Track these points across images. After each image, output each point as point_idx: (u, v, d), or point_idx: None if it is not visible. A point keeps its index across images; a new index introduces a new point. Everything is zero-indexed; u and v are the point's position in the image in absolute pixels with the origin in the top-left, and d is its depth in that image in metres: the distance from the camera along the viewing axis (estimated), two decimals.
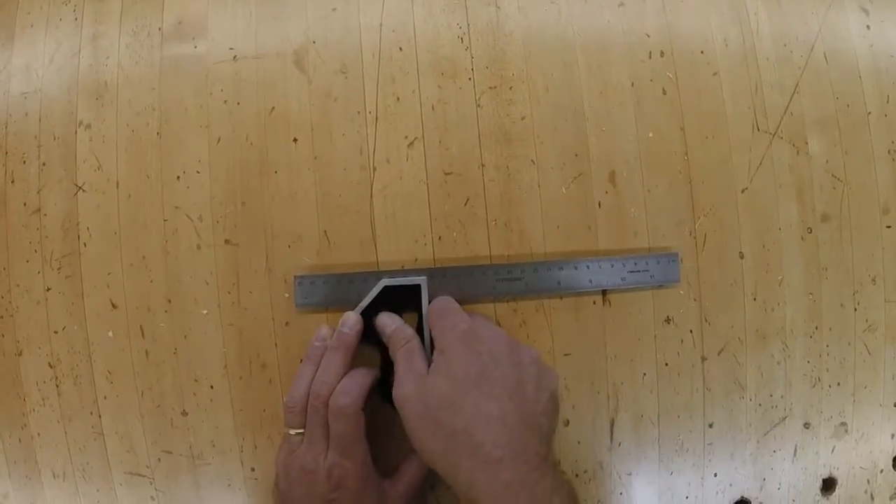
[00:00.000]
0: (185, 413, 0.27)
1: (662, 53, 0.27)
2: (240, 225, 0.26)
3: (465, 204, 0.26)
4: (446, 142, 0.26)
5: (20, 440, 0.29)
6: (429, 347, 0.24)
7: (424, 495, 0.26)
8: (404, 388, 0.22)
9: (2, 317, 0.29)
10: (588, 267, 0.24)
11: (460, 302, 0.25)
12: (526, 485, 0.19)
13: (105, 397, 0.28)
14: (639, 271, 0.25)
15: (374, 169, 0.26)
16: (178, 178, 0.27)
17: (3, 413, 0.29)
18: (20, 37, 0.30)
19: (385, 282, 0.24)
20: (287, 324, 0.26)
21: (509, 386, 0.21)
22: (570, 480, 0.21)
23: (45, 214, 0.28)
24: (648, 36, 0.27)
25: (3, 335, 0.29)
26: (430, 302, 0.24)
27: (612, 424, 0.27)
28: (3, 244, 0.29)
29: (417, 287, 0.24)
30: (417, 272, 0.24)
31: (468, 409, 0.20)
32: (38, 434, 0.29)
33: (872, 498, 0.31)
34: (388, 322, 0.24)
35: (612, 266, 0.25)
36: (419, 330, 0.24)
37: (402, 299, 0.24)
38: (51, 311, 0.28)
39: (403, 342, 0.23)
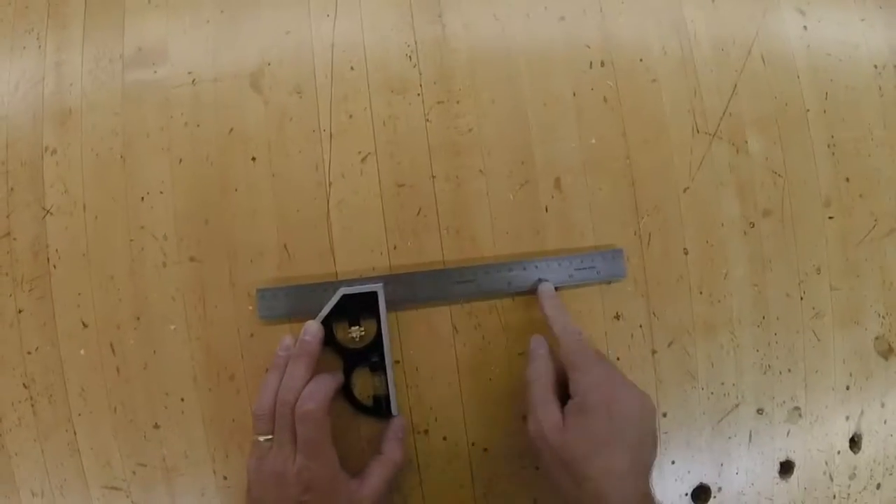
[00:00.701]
0: (157, 426, 0.29)
1: (603, 63, 0.29)
2: (203, 242, 0.28)
3: (418, 214, 0.28)
4: (398, 155, 0.28)
5: None
6: (389, 353, 0.26)
7: (391, 495, 0.28)
8: (540, 430, 0.24)
9: None
10: (536, 267, 0.27)
11: (417, 306, 0.27)
12: None
13: (79, 414, 0.30)
14: (585, 268, 0.27)
15: (330, 184, 0.28)
16: (143, 198, 0.29)
17: None
18: None
19: (343, 290, 0.26)
20: (252, 335, 0.28)
21: (634, 440, 0.23)
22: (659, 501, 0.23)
23: (15, 238, 0.30)
24: (589, 47, 0.29)
25: None
26: (387, 307, 0.26)
27: None
28: None
29: (375, 294, 0.26)
30: (374, 280, 0.27)
31: (601, 465, 0.22)
32: (16, 454, 0.31)
33: (832, 479, 0.33)
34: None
35: (560, 265, 0.27)
36: (378, 336, 0.26)
37: (361, 306, 0.26)
38: (23, 332, 0.30)
39: (536, 377, 0.25)
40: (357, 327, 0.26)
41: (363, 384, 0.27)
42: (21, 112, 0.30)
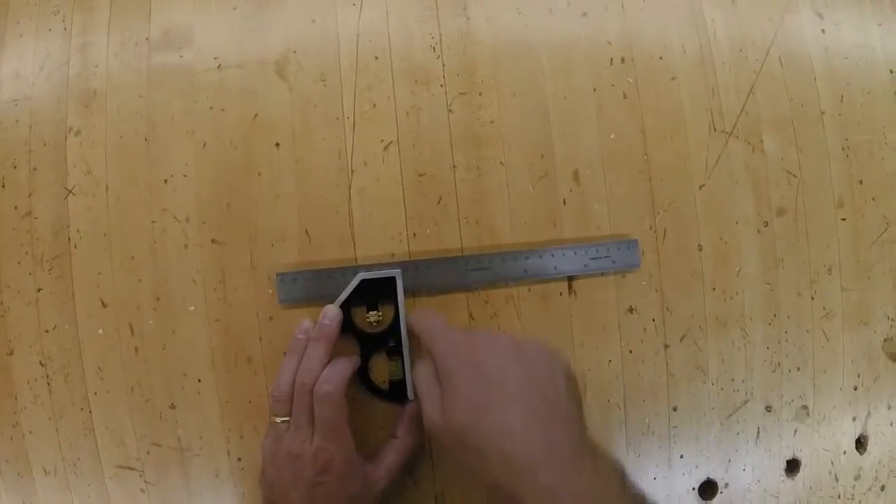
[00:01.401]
0: (173, 407, 0.30)
1: (623, 60, 0.31)
2: (225, 225, 0.29)
3: (438, 203, 0.29)
4: (420, 145, 0.29)
5: (11, 438, 0.32)
6: (406, 339, 0.27)
7: (403, 479, 0.29)
8: (428, 419, 0.23)
9: None
10: (552, 255, 0.28)
11: (434, 293, 0.28)
12: (567, 484, 0.19)
13: (95, 393, 0.31)
14: (600, 257, 0.28)
15: (353, 171, 0.29)
16: (166, 181, 0.30)
17: None
18: (10, 46, 0.33)
19: (362, 275, 0.27)
20: (271, 318, 0.29)
21: (522, 390, 0.21)
22: (614, 459, 0.21)
23: (36, 217, 0.31)
24: (610, 43, 0.31)
25: None
26: (405, 293, 0.27)
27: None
28: None
29: (393, 279, 0.27)
30: (393, 265, 0.28)
31: (489, 427, 0.20)
32: (30, 432, 0.32)
33: (837, 479, 0.34)
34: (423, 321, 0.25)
35: (575, 253, 0.28)
36: (396, 321, 0.27)
37: (379, 292, 0.27)
38: (42, 310, 0.31)
39: (417, 369, 0.25)
40: (375, 312, 0.27)
41: (380, 368, 0.28)
42: (45, 93, 0.32)
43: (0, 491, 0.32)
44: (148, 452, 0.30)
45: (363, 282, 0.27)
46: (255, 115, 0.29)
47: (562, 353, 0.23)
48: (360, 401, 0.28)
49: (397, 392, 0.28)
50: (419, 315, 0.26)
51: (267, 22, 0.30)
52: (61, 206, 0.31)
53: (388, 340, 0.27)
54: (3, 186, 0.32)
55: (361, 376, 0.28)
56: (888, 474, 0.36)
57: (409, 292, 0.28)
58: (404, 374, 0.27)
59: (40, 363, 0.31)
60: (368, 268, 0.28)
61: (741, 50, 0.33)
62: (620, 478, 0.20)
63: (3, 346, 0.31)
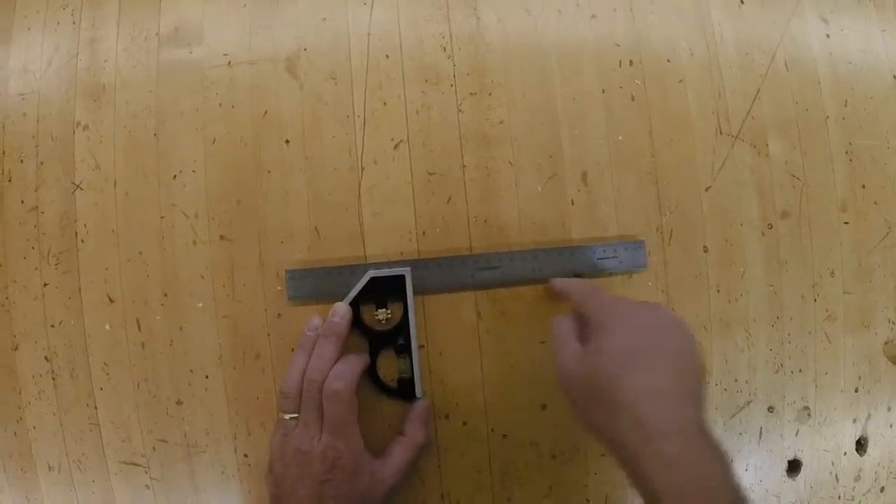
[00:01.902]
0: (179, 402, 0.30)
1: (631, 62, 0.31)
2: (234, 222, 0.30)
3: (448, 202, 0.29)
4: (430, 144, 0.30)
5: (15, 434, 0.32)
6: (415, 337, 0.28)
7: (410, 476, 0.29)
8: (566, 365, 0.23)
9: None
10: (560, 255, 0.29)
11: (443, 291, 0.29)
12: (689, 457, 0.20)
13: (101, 389, 0.31)
14: (608, 257, 0.29)
15: (363, 169, 0.30)
16: (175, 177, 0.30)
17: (0, 407, 0.32)
18: (17, 39, 0.33)
19: (371, 273, 0.28)
20: (279, 315, 0.29)
21: (669, 360, 0.22)
22: (721, 444, 0.21)
23: (43, 212, 0.31)
24: (618, 46, 0.31)
25: None
26: (414, 291, 0.28)
27: None
28: (0, 241, 0.32)
29: (402, 277, 0.27)
30: (402, 264, 0.28)
31: (632, 385, 0.21)
32: (34, 427, 0.32)
33: (837, 479, 0.35)
34: (565, 284, 0.27)
35: (583, 253, 0.29)
36: (405, 318, 0.28)
37: (388, 290, 0.28)
38: (48, 305, 0.31)
39: (557, 321, 0.26)
40: (384, 310, 0.28)
41: (388, 366, 0.29)
42: (53, 87, 0.32)
43: (3, 486, 0.33)
44: (154, 448, 0.31)
45: (372, 279, 0.27)
46: (265, 111, 0.30)
47: (697, 340, 0.24)
48: (368, 398, 0.29)
49: (406, 389, 0.28)
50: (572, 284, 0.27)
51: (277, 19, 0.31)
52: (69, 200, 0.31)
53: (396, 338, 0.28)
54: (9, 180, 0.32)
55: (370, 374, 0.28)
56: (888, 476, 0.36)
57: (417, 290, 0.28)
58: (412, 372, 0.28)
59: (46, 358, 0.31)
60: (378, 266, 0.28)
61: (747, 54, 0.33)
62: (729, 464, 0.21)
63: (8, 341, 0.32)
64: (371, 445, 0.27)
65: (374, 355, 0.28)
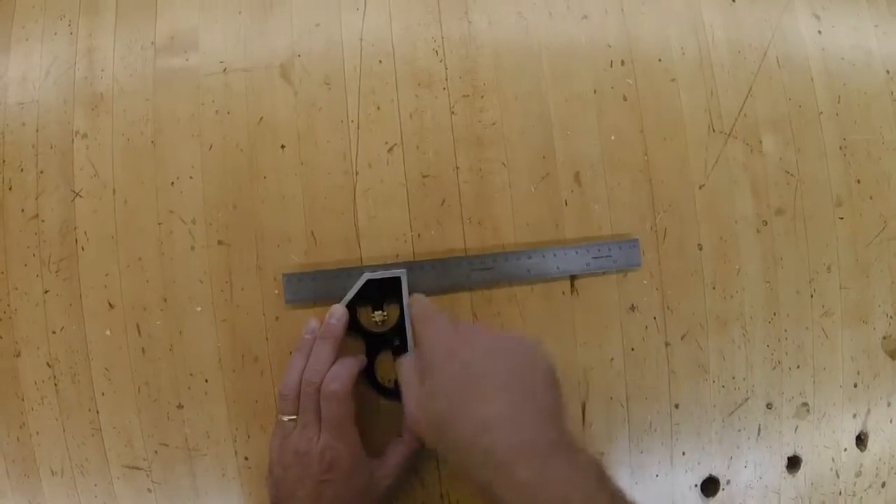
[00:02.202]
0: (180, 406, 0.31)
1: (623, 62, 0.32)
2: (231, 227, 0.30)
3: (442, 204, 0.30)
4: (423, 147, 0.30)
5: (18, 439, 0.33)
6: (411, 338, 0.28)
7: (408, 476, 0.30)
8: (409, 411, 0.24)
9: (0, 319, 0.32)
10: (555, 255, 0.29)
11: (438, 293, 0.29)
12: (546, 478, 0.19)
13: (103, 394, 0.32)
14: (602, 257, 0.29)
15: (357, 173, 0.30)
16: (172, 183, 0.31)
17: (1, 413, 0.33)
18: (16, 49, 0.34)
19: (368, 275, 0.28)
20: (277, 318, 0.30)
21: (502, 383, 0.21)
22: (591, 455, 0.20)
23: (43, 220, 0.32)
24: (610, 46, 0.32)
25: (1, 337, 0.32)
26: (409, 293, 0.28)
27: (583, 407, 0.31)
28: (2, 249, 0.33)
29: (398, 279, 0.28)
30: (398, 266, 0.29)
31: (468, 420, 0.21)
32: (37, 432, 0.33)
33: (838, 475, 0.35)
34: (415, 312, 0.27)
35: (577, 253, 0.29)
36: (401, 320, 0.28)
37: (385, 292, 0.28)
38: (49, 312, 0.32)
39: (402, 365, 0.26)
40: (380, 312, 0.28)
41: (385, 368, 0.29)
42: (52, 96, 0.33)
43: (7, 491, 0.33)
44: (155, 452, 0.31)
45: (369, 282, 0.28)
46: (261, 118, 0.31)
47: (542, 347, 0.24)
48: (366, 399, 0.29)
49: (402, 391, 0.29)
50: (415, 303, 0.27)
51: (272, 26, 0.31)
52: (68, 208, 0.32)
53: (393, 339, 0.28)
54: (10, 189, 0.33)
55: (367, 375, 0.29)
56: (889, 471, 0.37)
57: (413, 292, 0.29)
58: None
59: (48, 364, 0.32)
60: (374, 268, 0.29)
61: (739, 52, 0.34)
62: (598, 473, 0.20)
63: (10, 348, 0.32)
64: (368, 446, 0.28)
65: (371, 357, 0.29)
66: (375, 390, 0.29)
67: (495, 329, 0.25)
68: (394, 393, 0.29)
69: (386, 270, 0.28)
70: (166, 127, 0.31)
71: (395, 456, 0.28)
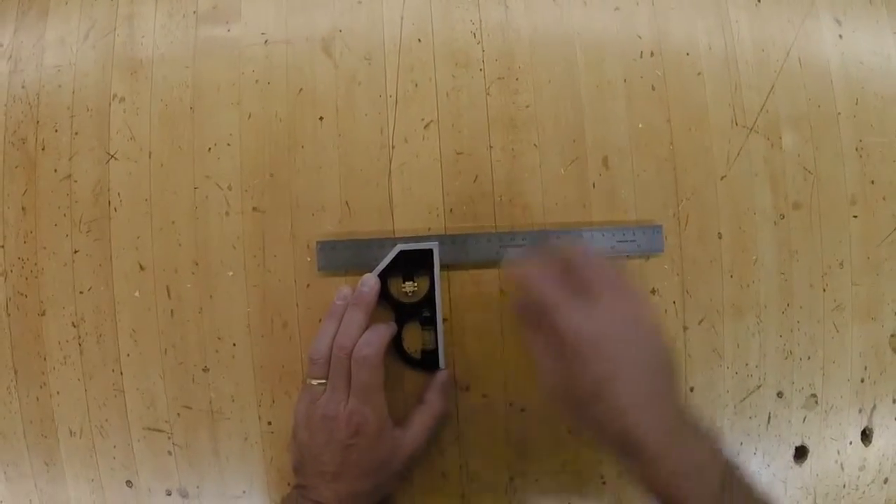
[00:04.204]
0: (206, 369, 0.33)
1: (653, 53, 0.35)
2: (267, 194, 0.33)
3: (475, 181, 0.32)
4: (458, 125, 0.33)
5: (38, 399, 0.35)
6: (441, 310, 0.31)
7: (430, 445, 0.32)
8: (549, 380, 0.26)
9: (26, 278, 0.34)
10: (582, 236, 0.32)
11: (468, 267, 0.32)
12: (675, 448, 0.24)
13: (128, 355, 0.34)
14: (627, 241, 0.32)
15: (393, 147, 0.32)
16: (210, 149, 0.33)
17: (22, 372, 0.35)
18: (55, 12, 0.36)
19: (401, 246, 0.30)
20: (308, 286, 0.32)
21: (642, 370, 0.24)
22: (708, 428, 0.25)
23: (76, 181, 0.34)
24: (640, 38, 0.35)
25: (26, 296, 0.34)
26: (440, 266, 0.30)
27: None
28: (32, 208, 0.34)
29: (430, 251, 0.30)
30: (430, 238, 0.31)
31: (612, 405, 0.24)
32: (58, 392, 0.34)
33: (843, 468, 0.38)
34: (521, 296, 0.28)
35: (604, 235, 0.32)
36: (431, 292, 0.31)
37: (416, 263, 0.31)
38: (77, 272, 0.34)
39: (532, 338, 0.27)
40: (411, 282, 0.31)
41: (412, 338, 0.32)
42: (90, 60, 0.35)
43: (23, 451, 0.35)
44: (178, 415, 0.33)
45: (401, 253, 0.30)
46: (301, 89, 0.33)
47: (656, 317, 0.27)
48: (393, 369, 0.31)
49: (429, 361, 0.31)
50: (533, 281, 0.27)
51: (314, 1, 0.34)
52: (102, 170, 0.34)
53: (422, 310, 0.31)
54: (43, 149, 0.35)
55: (395, 345, 0.31)
56: (892, 467, 0.39)
57: (444, 265, 0.31)
58: (437, 344, 0.31)
59: (73, 324, 0.34)
60: (406, 240, 0.31)
61: (763, 50, 0.37)
62: (715, 445, 0.25)
63: (36, 307, 0.34)
64: (393, 414, 0.30)
65: (399, 327, 0.31)
66: (402, 360, 0.31)
67: (624, 300, 0.26)
68: (420, 363, 0.31)
69: (418, 243, 0.31)
70: (205, 94, 0.33)
71: (418, 424, 0.30)
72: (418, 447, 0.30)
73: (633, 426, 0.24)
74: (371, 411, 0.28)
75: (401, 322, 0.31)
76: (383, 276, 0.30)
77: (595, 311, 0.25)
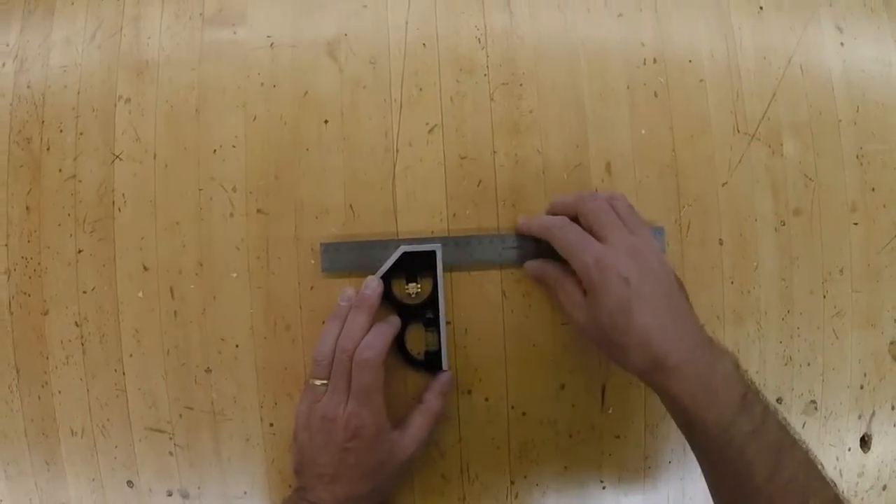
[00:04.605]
0: (209, 370, 0.34)
1: (655, 60, 0.35)
2: (272, 196, 0.33)
3: (478, 185, 0.33)
4: (463, 130, 0.33)
5: (40, 398, 0.35)
6: (444, 311, 0.31)
7: (429, 448, 0.33)
8: (576, 317, 0.29)
9: (30, 277, 0.35)
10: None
11: (470, 268, 0.33)
12: (691, 363, 0.26)
13: (131, 355, 0.34)
14: None
15: (398, 151, 0.33)
16: (215, 151, 0.34)
17: (24, 371, 0.35)
18: (61, 12, 0.36)
19: (404, 248, 0.31)
20: (312, 288, 0.33)
21: (654, 292, 0.27)
22: (726, 348, 0.28)
23: (80, 181, 0.35)
24: (643, 45, 0.35)
25: (29, 295, 0.35)
26: (443, 267, 0.31)
27: (603, 390, 0.34)
28: (36, 208, 0.35)
29: (433, 253, 0.31)
30: (433, 241, 0.32)
31: (631, 327, 0.26)
32: (59, 391, 0.35)
33: (841, 474, 0.39)
34: (539, 265, 0.31)
35: None
36: (434, 293, 0.31)
37: (419, 265, 0.31)
38: (81, 272, 0.34)
39: (554, 277, 0.30)
40: (414, 284, 0.31)
41: (415, 340, 0.32)
42: (96, 61, 0.35)
43: (23, 450, 0.36)
44: (180, 415, 0.34)
45: (404, 254, 0.31)
46: (306, 92, 0.34)
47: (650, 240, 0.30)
48: (395, 370, 0.32)
49: (432, 362, 0.32)
50: (553, 228, 0.30)
51: (319, 5, 0.34)
52: (107, 170, 0.35)
53: (425, 312, 0.31)
54: (48, 149, 0.35)
55: (398, 346, 0.32)
56: (890, 474, 0.40)
57: (447, 266, 0.32)
58: (440, 346, 0.31)
59: (76, 324, 0.34)
60: (410, 242, 0.32)
61: (765, 57, 0.38)
62: (733, 362, 0.27)
63: (38, 306, 0.35)
64: (392, 415, 0.31)
65: (402, 328, 0.32)
66: (405, 360, 0.32)
67: (635, 237, 0.29)
68: (423, 364, 0.32)
69: (421, 244, 0.31)
70: (211, 96, 0.34)
71: (417, 426, 0.31)
72: (416, 449, 0.30)
73: (657, 342, 0.26)
74: (369, 414, 0.29)
75: (404, 324, 0.32)
76: (386, 277, 0.31)
77: (609, 246, 0.28)
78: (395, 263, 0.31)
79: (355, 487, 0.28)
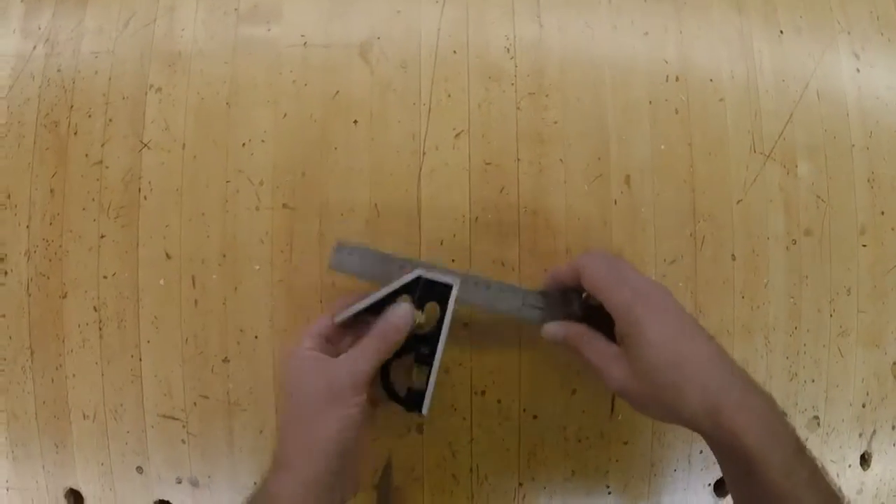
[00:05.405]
0: (226, 360, 0.35)
1: (678, 78, 0.38)
2: (298, 192, 0.35)
3: (501, 191, 0.35)
4: (488, 136, 0.35)
5: (53, 380, 0.37)
6: (441, 353, 0.28)
7: (442, 447, 0.34)
8: (618, 382, 0.27)
9: (50, 259, 0.36)
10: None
11: (485, 311, 0.31)
12: (754, 401, 0.25)
13: (148, 342, 0.36)
14: None
15: (424, 154, 0.35)
16: (244, 144, 0.35)
17: (39, 353, 0.37)
18: (94, 0, 0.38)
19: (420, 272, 0.29)
20: (334, 284, 0.35)
21: (696, 325, 0.26)
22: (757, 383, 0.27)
23: (107, 167, 0.36)
24: (667, 62, 0.38)
25: (48, 277, 0.36)
26: (456, 301, 0.29)
27: (612, 399, 0.36)
28: (60, 191, 0.37)
29: (449, 287, 0.29)
30: (453, 273, 0.29)
31: (688, 359, 0.25)
32: (73, 375, 0.36)
33: (841, 491, 0.41)
34: (559, 327, 0.30)
35: None
36: (438, 330, 0.29)
37: (430, 293, 0.29)
38: (102, 257, 0.36)
39: (579, 335, 0.28)
40: (419, 312, 0.29)
41: (399, 370, 0.29)
42: (128, 49, 0.37)
43: (34, 433, 0.37)
44: (195, 404, 0.35)
45: (419, 278, 0.29)
46: (337, 92, 0.35)
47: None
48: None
49: (413, 401, 0.29)
50: (594, 264, 0.28)
51: (354, 8, 0.36)
52: (135, 158, 0.36)
53: (421, 346, 0.29)
54: (75, 134, 0.37)
55: (382, 375, 0.29)
56: (888, 493, 0.42)
57: (459, 301, 0.29)
58: (426, 387, 0.28)
59: (94, 308, 0.36)
60: (429, 267, 0.29)
61: (783, 80, 0.40)
62: (779, 408, 0.26)
63: (57, 289, 0.36)
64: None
65: (392, 357, 0.28)
66: (385, 390, 0.29)
67: (636, 276, 0.28)
68: (403, 400, 0.29)
69: (440, 273, 0.29)
70: (242, 91, 0.36)
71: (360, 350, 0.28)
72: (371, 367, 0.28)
73: (716, 375, 0.25)
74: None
75: (396, 352, 0.29)
76: (393, 296, 0.29)
77: (637, 278, 0.28)
78: (407, 283, 0.29)
79: (307, 468, 0.26)
